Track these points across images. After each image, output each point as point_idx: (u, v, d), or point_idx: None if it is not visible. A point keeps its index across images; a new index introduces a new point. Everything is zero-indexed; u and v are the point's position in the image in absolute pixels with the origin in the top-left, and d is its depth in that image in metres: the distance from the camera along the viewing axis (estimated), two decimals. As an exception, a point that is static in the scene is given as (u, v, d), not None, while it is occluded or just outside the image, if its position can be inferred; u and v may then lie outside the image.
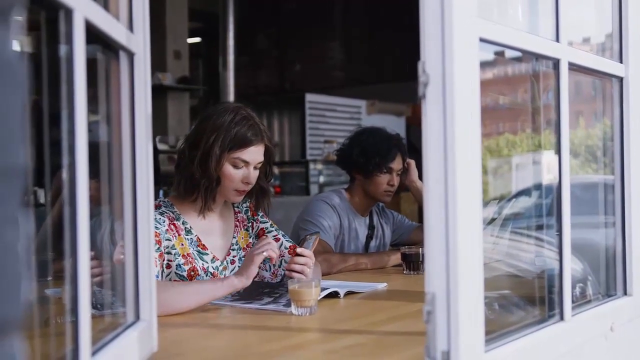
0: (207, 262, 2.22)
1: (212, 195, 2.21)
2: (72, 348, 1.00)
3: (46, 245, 1.58)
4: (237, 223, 2.38)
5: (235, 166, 2.19)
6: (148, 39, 1.40)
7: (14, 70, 0.56)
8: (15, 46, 0.58)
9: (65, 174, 1.02)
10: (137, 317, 1.36)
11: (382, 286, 2.35)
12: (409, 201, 6.39)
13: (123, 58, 1.34)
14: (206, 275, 2.20)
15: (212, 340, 1.67)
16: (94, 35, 1.11)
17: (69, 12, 0.99)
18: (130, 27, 1.35)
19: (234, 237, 2.35)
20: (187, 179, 2.19)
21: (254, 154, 2.20)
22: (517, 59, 1.75)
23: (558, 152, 1.53)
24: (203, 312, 1.95)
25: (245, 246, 2.36)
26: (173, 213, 2.21)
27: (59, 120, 1.02)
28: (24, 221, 0.58)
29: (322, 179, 7.53)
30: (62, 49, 1.01)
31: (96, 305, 1.34)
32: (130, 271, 1.36)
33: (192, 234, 2.22)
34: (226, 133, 2.15)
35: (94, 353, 1.08)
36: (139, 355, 1.31)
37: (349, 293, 2.17)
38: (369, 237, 3.14)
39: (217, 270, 2.24)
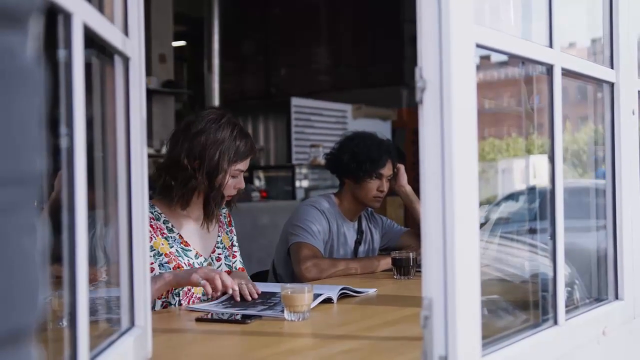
0: (191, 258, 2.28)
1: (220, 206, 2.34)
2: (70, 354, 0.99)
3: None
4: (221, 224, 2.46)
5: (233, 176, 2.30)
6: (143, 44, 1.39)
7: (32, 77, 0.55)
8: (33, 52, 0.57)
9: (63, 179, 1.01)
10: (132, 323, 1.35)
11: (372, 291, 2.35)
12: (394, 205, 6.40)
13: (118, 62, 1.33)
14: None
15: (205, 347, 1.66)
16: (90, 39, 1.10)
17: (68, 17, 0.98)
18: (126, 31, 1.34)
19: (219, 236, 2.43)
20: (190, 191, 2.26)
21: (248, 162, 2.35)
22: (503, 64, 1.76)
23: (551, 156, 1.54)
24: (197, 319, 1.94)
25: (228, 246, 2.45)
26: (152, 213, 2.23)
27: (56, 125, 1.02)
28: (39, 228, 0.58)
29: (308, 183, 7.52)
30: (61, 53, 1.00)
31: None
32: (125, 278, 1.35)
33: (174, 232, 2.28)
34: (230, 148, 2.26)
35: (91, 359, 1.07)
36: (134, 362, 1.31)
37: (342, 295, 2.18)
38: (358, 242, 3.14)
39: (202, 266, 2.30)
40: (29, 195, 0.56)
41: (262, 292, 2.19)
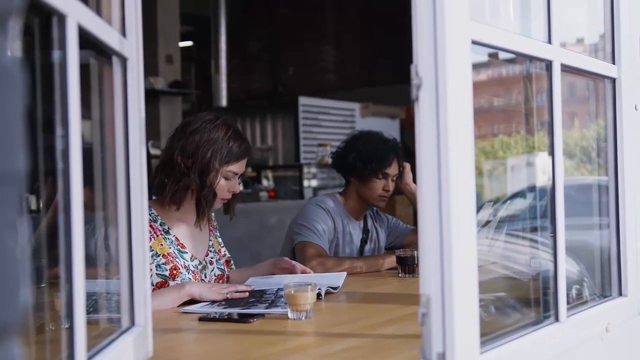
0: (187, 260, 2.31)
1: (211, 206, 2.33)
2: (68, 354, 1.00)
3: (40, 251, 1.58)
4: (211, 228, 2.50)
5: (226, 178, 2.31)
6: (141, 44, 1.40)
7: (13, 76, 0.56)
8: (13, 52, 0.58)
9: (59, 180, 1.01)
10: (133, 322, 1.36)
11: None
12: (403, 204, 6.39)
13: (116, 63, 1.33)
14: (188, 273, 2.28)
15: (207, 346, 1.66)
16: (86, 40, 1.11)
17: (62, 18, 0.99)
18: (123, 32, 1.35)
19: (210, 240, 2.46)
20: (182, 189, 2.28)
21: (243, 166, 2.35)
22: (510, 61, 1.76)
23: (551, 153, 1.53)
24: (199, 318, 1.95)
25: (217, 250, 2.48)
26: (150, 215, 2.25)
27: (51, 126, 1.02)
28: (22, 226, 0.58)
29: (316, 182, 7.52)
30: (55, 54, 1.00)
31: (88, 310, 1.33)
32: (125, 277, 1.36)
33: (170, 234, 2.31)
34: (222, 148, 2.27)
35: (89, 358, 1.07)
36: (135, 361, 1.31)
37: (329, 292, 2.22)
38: (364, 241, 3.14)
39: (197, 269, 2.34)
40: (10, 193, 0.57)
41: (254, 290, 2.21)
